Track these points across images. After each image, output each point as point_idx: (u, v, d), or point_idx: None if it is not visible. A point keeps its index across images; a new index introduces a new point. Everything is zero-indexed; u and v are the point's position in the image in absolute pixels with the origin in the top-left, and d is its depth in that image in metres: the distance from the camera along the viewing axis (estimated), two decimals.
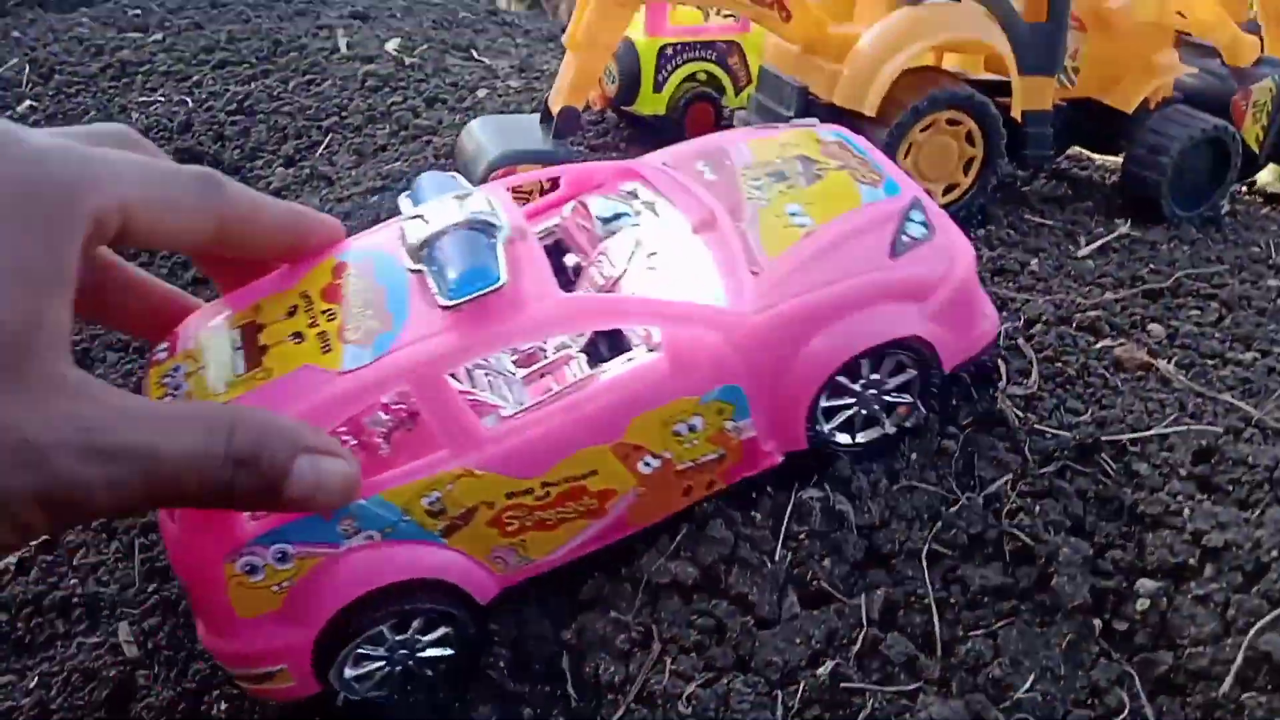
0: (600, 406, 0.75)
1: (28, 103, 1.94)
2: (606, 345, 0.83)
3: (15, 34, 2.28)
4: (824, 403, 0.82)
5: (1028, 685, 0.73)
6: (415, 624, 0.76)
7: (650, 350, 0.78)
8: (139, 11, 2.33)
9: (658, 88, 1.62)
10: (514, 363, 0.82)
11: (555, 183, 0.96)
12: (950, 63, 1.50)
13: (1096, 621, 0.77)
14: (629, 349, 0.80)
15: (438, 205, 0.73)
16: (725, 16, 1.66)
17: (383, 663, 0.76)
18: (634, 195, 0.92)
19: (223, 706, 0.81)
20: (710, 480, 0.82)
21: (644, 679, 0.74)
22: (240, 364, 0.69)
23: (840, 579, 0.80)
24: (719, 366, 0.77)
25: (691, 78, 1.64)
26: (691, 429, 0.78)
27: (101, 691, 0.84)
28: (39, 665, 0.88)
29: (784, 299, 0.79)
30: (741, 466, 0.82)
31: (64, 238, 0.52)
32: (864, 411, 0.85)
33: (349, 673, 0.76)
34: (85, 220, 0.53)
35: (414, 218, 0.73)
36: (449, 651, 0.78)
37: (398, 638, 0.76)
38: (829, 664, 0.74)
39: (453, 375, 0.73)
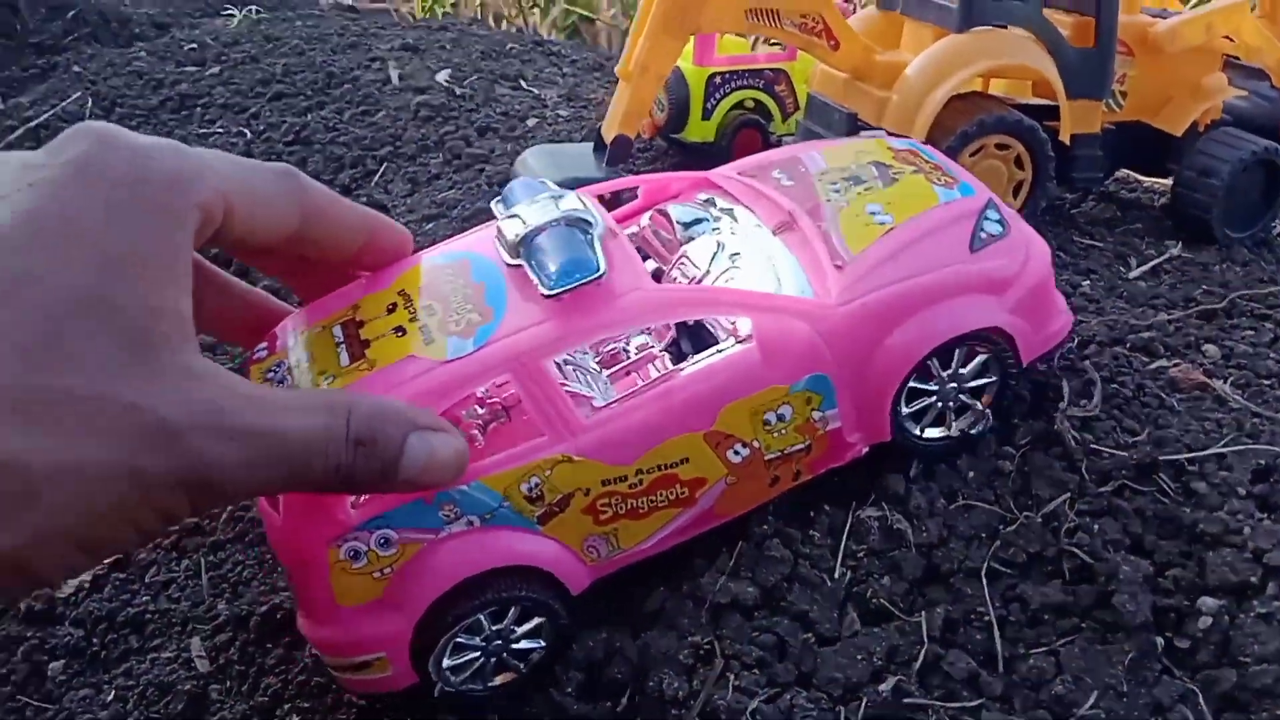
0: (693, 394, 0.77)
1: None
2: (689, 344, 0.85)
3: (76, 68, 2.35)
4: (907, 392, 0.84)
5: (1091, 702, 0.74)
6: (511, 613, 0.77)
7: (739, 343, 0.80)
8: (195, 46, 2.38)
9: (706, 115, 1.64)
10: (598, 363, 0.84)
11: (613, 197, 0.98)
12: (997, 87, 1.51)
13: (1159, 639, 0.78)
14: (710, 348, 0.81)
15: (532, 206, 0.76)
16: (772, 45, 1.69)
17: (478, 653, 0.78)
18: (711, 203, 0.95)
19: None
20: (796, 471, 0.83)
21: (708, 695, 0.75)
22: (344, 357, 0.71)
23: (900, 596, 0.81)
24: (808, 355, 0.79)
25: (739, 105, 1.66)
26: (780, 418, 0.80)
27: (176, 705, 0.86)
28: (115, 680, 0.91)
29: (870, 290, 0.81)
30: (826, 457, 0.84)
31: (177, 228, 0.54)
32: (941, 405, 0.87)
33: (446, 663, 0.77)
34: (194, 211, 0.55)
35: (511, 217, 0.76)
36: (541, 644, 0.80)
37: (494, 627, 0.77)
38: (891, 680, 0.75)
39: None
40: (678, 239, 0.92)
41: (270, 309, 0.78)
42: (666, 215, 0.94)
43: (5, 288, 0.48)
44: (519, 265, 0.74)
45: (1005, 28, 1.33)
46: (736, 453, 0.79)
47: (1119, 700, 0.74)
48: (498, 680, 0.80)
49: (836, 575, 0.82)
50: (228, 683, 0.88)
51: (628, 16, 3.02)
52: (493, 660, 0.79)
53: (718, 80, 1.63)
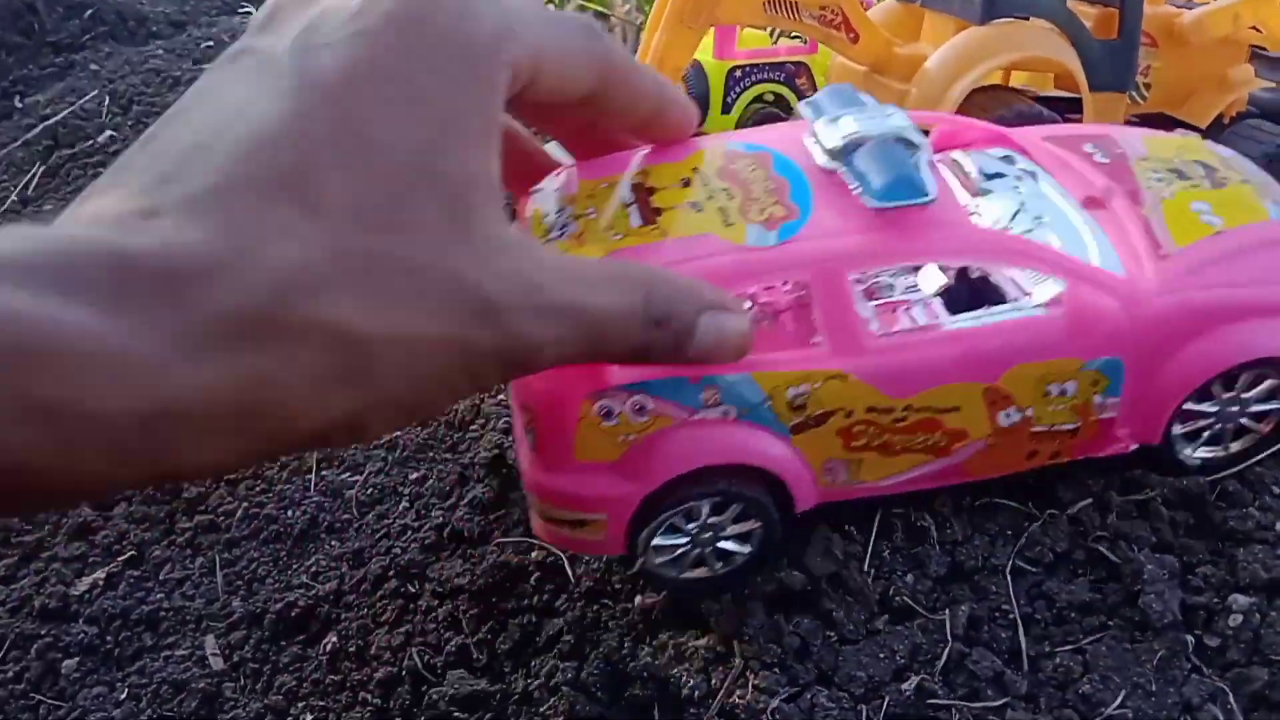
0: (984, 345, 0.74)
1: (108, 133, 1.99)
2: (966, 295, 0.82)
3: (93, 66, 2.34)
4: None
5: (1119, 701, 0.72)
6: (731, 509, 0.76)
7: (1037, 306, 0.76)
8: (211, 44, 2.37)
9: (726, 109, 1.63)
10: (863, 291, 0.81)
11: None
12: (1018, 79, 1.49)
13: (1188, 637, 0.76)
14: (987, 305, 0.78)
15: (858, 113, 0.73)
16: (792, 38, 1.67)
17: (686, 540, 0.77)
18: (1009, 160, 0.90)
19: (309, 718, 0.82)
20: (1056, 450, 0.81)
21: (726, 693, 0.74)
22: (635, 218, 0.69)
23: (924, 594, 0.80)
24: (1113, 336, 0.76)
25: (759, 98, 1.65)
26: (1063, 392, 0.76)
27: (190, 703, 0.86)
28: (129, 677, 0.90)
29: (1194, 288, 0.78)
30: (1090, 444, 0.81)
31: (491, 89, 0.52)
32: (1214, 425, 0.83)
33: (657, 541, 0.76)
34: (507, 70, 0.52)
35: (833, 120, 0.73)
36: (748, 550, 0.78)
37: (710, 519, 0.76)
38: (914, 679, 0.74)
39: None
40: (974, 189, 0.87)
41: (543, 157, 0.75)
42: (959, 164, 0.89)
43: (338, 146, 0.46)
44: (832, 171, 0.72)
45: (1027, 19, 1.31)
46: (1008, 415, 0.76)
47: (1147, 699, 0.73)
48: (692, 574, 0.79)
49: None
50: (242, 680, 0.88)
51: (642, 12, 3.00)
52: (695, 552, 0.78)
53: (738, 74, 1.62)
